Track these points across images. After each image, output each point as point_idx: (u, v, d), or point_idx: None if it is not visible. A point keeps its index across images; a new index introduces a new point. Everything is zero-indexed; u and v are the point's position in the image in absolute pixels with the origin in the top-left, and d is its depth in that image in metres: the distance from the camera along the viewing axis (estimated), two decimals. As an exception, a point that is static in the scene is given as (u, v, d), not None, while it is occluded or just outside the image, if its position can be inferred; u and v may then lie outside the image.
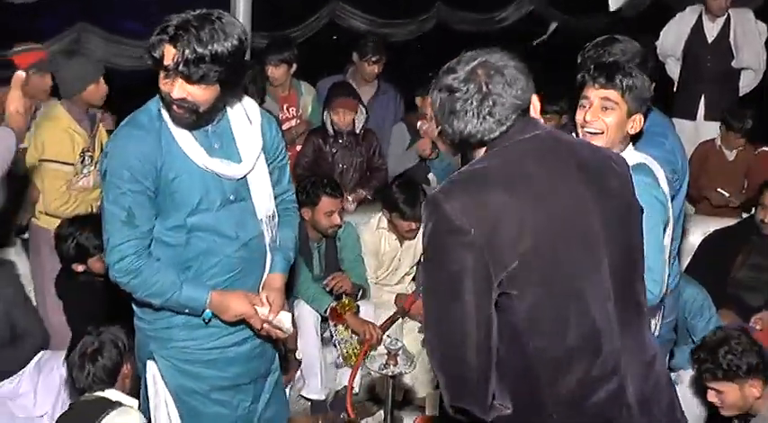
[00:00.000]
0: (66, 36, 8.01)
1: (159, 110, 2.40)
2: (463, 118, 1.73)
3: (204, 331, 2.51)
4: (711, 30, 5.17)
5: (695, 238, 4.43)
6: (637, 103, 2.55)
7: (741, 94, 5.25)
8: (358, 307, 4.00)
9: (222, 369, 2.58)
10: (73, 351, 2.75)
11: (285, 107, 4.94)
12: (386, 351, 2.88)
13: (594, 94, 2.53)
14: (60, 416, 2.82)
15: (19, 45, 4.43)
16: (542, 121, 1.94)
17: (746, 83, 5.21)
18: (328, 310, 3.91)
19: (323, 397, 3.95)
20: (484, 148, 1.81)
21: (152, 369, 2.57)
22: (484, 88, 1.71)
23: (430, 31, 9.56)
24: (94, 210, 3.96)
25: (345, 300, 3.99)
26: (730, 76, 5.16)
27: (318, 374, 3.91)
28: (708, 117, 5.13)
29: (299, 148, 4.74)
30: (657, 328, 2.77)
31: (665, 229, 2.53)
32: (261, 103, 3.76)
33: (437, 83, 1.80)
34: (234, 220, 2.49)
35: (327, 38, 9.59)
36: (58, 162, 3.98)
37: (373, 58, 5.26)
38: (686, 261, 4.38)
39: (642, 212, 1.92)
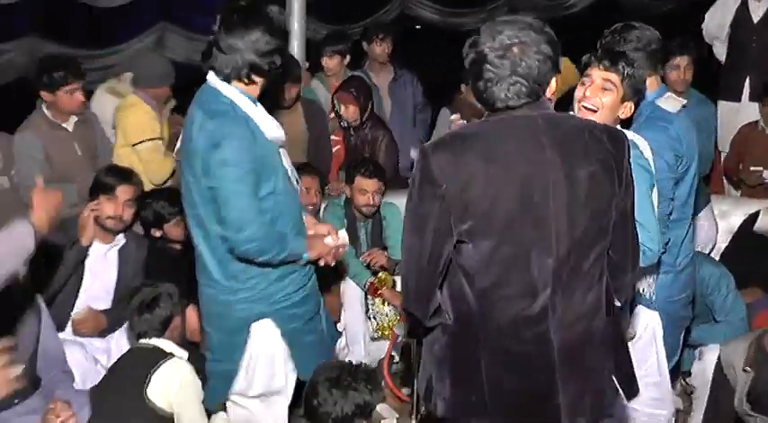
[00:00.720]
0: (148, 35, 8.87)
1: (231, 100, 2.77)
2: (486, 84, 2.04)
3: (290, 277, 2.92)
4: (757, 10, 5.24)
5: (737, 219, 4.53)
6: (632, 91, 2.81)
7: None
8: (394, 281, 4.30)
9: (307, 303, 3.02)
10: (134, 298, 3.12)
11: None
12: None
13: (597, 74, 2.78)
14: (118, 359, 3.19)
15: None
16: (552, 101, 2.27)
17: None
18: (367, 284, 4.25)
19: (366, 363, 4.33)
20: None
21: (263, 328, 2.94)
22: (514, 66, 2.00)
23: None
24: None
25: (382, 275, 4.31)
26: None
27: (362, 342, 4.26)
28: (753, 98, 5.18)
29: (333, 137, 5.16)
30: (652, 292, 3.03)
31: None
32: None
33: (476, 43, 2.07)
34: (288, 181, 2.94)
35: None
36: (149, 140, 4.40)
37: (379, 37, 5.59)
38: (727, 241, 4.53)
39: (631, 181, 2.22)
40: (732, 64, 5.27)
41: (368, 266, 4.36)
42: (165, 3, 8.88)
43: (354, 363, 3.02)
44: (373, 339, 4.38)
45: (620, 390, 2.22)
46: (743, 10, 5.18)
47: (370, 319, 4.36)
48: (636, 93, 2.82)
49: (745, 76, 5.12)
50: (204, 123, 2.70)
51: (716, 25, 5.29)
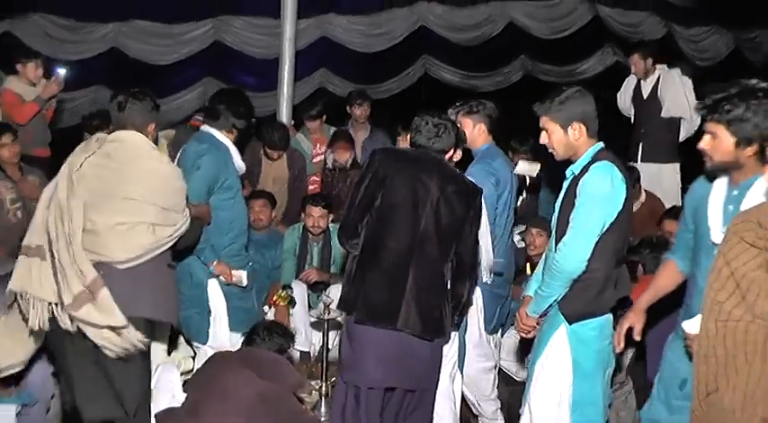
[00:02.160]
0: (195, 88, 10.90)
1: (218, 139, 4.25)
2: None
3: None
4: (645, 88, 6.57)
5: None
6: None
7: (682, 140, 6.47)
8: (291, 299, 5.37)
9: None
10: None
11: (317, 146, 7.04)
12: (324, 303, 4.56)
13: None
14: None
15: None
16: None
17: (684, 131, 6.41)
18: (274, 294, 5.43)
19: (307, 349, 5.51)
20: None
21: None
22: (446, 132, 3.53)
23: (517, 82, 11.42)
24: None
25: (283, 293, 5.35)
26: (666, 126, 6.41)
27: (303, 332, 5.40)
28: (644, 159, 6.42)
29: (314, 177, 6.79)
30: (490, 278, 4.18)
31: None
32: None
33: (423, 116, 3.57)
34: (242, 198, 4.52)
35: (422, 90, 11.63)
36: None
37: (357, 102, 7.17)
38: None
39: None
40: (634, 132, 6.67)
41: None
42: (211, 61, 10.64)
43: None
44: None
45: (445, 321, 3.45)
46: (637, 89, 6.59)
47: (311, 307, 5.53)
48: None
49: (638, 142, 6.50)
50: (197, 148, 4.25)
51: (623, 103, 6.74)
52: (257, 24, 9.89)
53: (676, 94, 6.34)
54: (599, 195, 3.04)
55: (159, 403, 3.53)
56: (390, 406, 3.53)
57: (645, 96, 6.57)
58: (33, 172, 5.45)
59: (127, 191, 3.22)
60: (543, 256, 3.43)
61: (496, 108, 4.45)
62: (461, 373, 4.09)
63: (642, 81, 6.56)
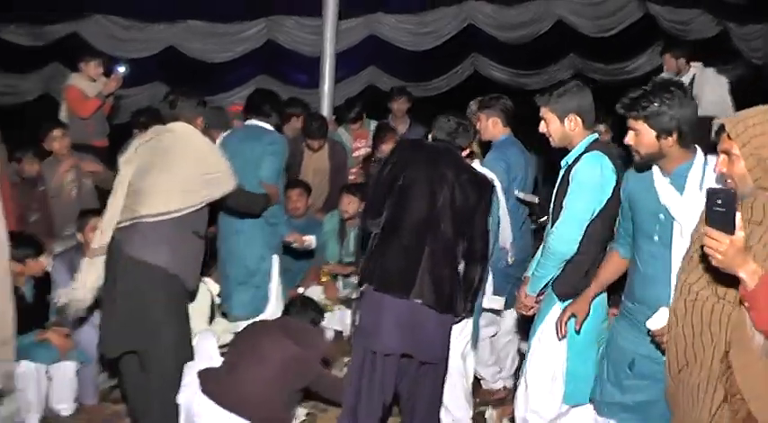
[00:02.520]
0: (249, 85, 11.34)
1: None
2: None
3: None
4: (685, 79, 6.49)
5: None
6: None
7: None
8: (335, 274, 5.91)
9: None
10: None
11: (358, 140, 7.43)
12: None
13: None
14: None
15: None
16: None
17: None
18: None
19: (341, 328, 5.77)
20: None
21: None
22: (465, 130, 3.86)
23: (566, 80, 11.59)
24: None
25: (325, 269, 5.91)
26: (701, 125, 6.40)
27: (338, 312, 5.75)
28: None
29: (354, 170, 7.21)
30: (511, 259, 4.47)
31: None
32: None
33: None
34: None
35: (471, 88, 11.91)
36: None
37: (396, 97, 7.58)
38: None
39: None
40: None
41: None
42: (264, 59, 11.16)
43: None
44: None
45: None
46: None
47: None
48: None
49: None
50: (271, 137, 4.83)
51: None
52: (308, 24, 10.29)
53: (712, 93, 6.48)
54: (589, 183, 3.29)
55: (198, 366, 3.95)
56: (404, 375, 3.86)
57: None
58: (85, 158, 6.03)
59: (168, 162, 3.76)
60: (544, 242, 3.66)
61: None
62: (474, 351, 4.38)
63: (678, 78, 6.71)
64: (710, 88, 6.43)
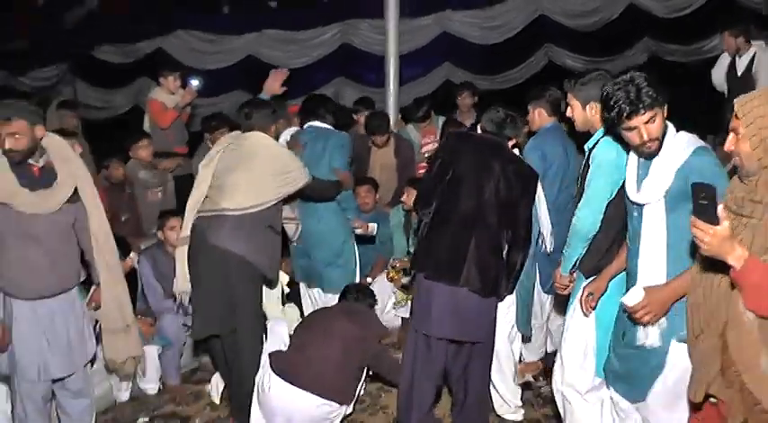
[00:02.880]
0: (328, 88, 11.92)
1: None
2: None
3: None
4: (740, 65, 6.72)
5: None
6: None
7: None
8: (405, 269, 5.91)
9: None
10: None
11: (426, 136, 7.77)
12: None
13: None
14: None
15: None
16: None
17: None
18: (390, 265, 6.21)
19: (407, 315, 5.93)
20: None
21: None
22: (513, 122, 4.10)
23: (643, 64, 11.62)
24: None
25: (396, 263, 6.09)
26: None
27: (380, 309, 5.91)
28: None
29: (422, 164, 7.54)
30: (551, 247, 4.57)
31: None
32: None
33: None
34: None
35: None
36: None
37: (461, 92, 7.85)
38: None
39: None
40: (725, 107, 6.81)
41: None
42: (340, 61, 11.70)
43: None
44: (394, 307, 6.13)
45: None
46: (732, 66, 6.80)
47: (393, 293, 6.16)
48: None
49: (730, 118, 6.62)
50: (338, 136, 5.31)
51: (717, 79, 6.96)
52: (379, 26, 10.70)
53: None
54: (606, 164, 3.46)
55: (270, 348, 4.40)
56: (454, 356, 4.14)
57: (739, 73, 6.78)
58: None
59: (246, 163, 4.21)
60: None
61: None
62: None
63: (737, 58, 6.79)
64: None
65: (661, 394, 3.02)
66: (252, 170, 4.21)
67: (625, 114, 2.85)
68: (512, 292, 4.30)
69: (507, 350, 4.41)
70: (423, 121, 7.60)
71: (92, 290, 4.09)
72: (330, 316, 4.43)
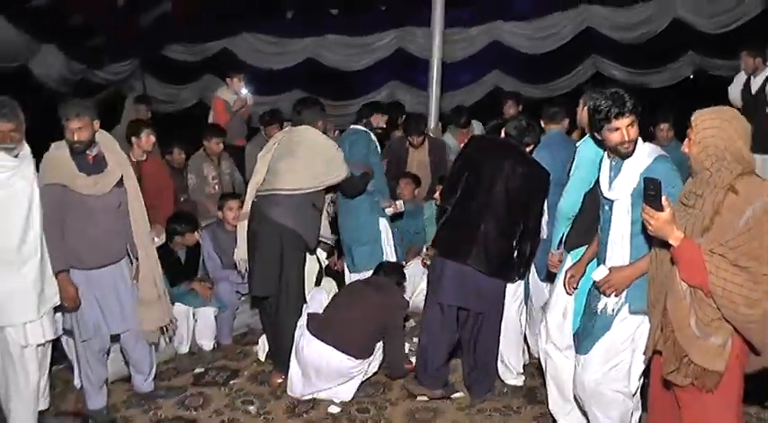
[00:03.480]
0: (382, 91, 12.70)
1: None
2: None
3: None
4: (755, 84, 7.15)
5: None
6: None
7: None
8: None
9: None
10: None
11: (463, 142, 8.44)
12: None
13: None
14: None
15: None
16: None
17: None
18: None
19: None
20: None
21: None
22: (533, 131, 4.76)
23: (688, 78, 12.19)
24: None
25: (429, 251, 6.32)
26: None
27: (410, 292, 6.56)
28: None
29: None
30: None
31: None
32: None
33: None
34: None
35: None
36: None
37: (507, 101, 8.37)
38: None
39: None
40: None
41: None
42: (396, 65, 12.48)
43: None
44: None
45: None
46: (747, 84, 7.30)
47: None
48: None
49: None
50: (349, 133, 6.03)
51: (733, 96, 7.40)
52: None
53: None
54: (587, 159, 4.13)
55: (310, 310, 5.07)
56: (464, 322, 4.85)
57: (753, 91, 7.24)
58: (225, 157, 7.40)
59: (297, 152, 4.98)
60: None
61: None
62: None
63: (752, 77, 7.26)
64: None
65: (602, 351, 3.69)
66: (299, 158, 4.94)
67: (613, 115, 3.48)
68: (523, 276, 4.98)
69: (515, 322, 5.08)
70: (464, 127, 8.27)
71: (133, 265, 4.66)
72: (361, 286, 5.21)
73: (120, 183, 4.40)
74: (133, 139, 5.90)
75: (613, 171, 3.68)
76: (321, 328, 4.84)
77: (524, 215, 4.69)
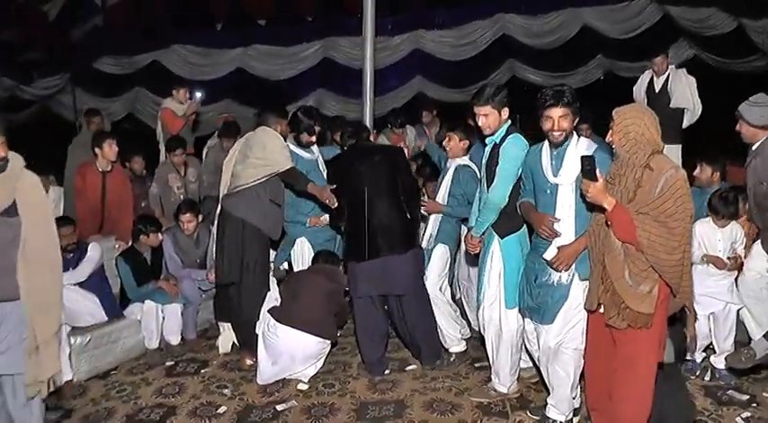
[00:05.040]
0: (310, 98, 13.29)
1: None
2: None
3: None
4: (657, 84, 8.07)
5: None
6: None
7: (684, 127, 7.92)
8: None
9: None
10: None
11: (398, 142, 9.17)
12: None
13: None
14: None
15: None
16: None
17: (687, 119, 7.86)
18: None
19: None
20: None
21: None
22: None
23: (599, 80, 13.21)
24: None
25: None
26: (673, 115, 7.75)
27: None
28: None
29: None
30: None
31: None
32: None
33: None
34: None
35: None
36: None
37: (425, 106, 9.31)
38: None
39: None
40: None
41: None
42: (324, 74, 13.12)
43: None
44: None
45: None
46: (650, 84, 8.21)
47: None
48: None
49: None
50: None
51: (638, 94, 8.32)
52: (359, 42, 12.10)
53: (683, 90, 7.93)
54: (515, 156, 4.60)
55: (267, 305, 5.65)
56: (392, 312, 5.53)
57: (657, 90, 8.14)
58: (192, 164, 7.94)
59: (249, 153, 5.53)
60: (478, 198, 5.06)
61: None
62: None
63: (656, 78, 8.17)
64: (682, 86, 7.92)
65: (562, 316, 4.36)
66: (249, 156, 5.50)
67: (547, 105, 4.17)
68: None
69: (441, 297, 5.75)
70: (401, 128, 9.04)
71: None
72: (308, 275, 5.78)
73: (13, 211, 3.78)
74: (96, 150, 6.40)
75: (554, 160, 4.31)
76: (288, 316, 5.41)
77: (402, 189, 5.42)
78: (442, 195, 5.73)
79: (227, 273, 5.57)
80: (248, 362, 5.72)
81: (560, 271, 4.31)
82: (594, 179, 3.71)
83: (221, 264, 5.58)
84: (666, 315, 3.88)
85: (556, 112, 4.21)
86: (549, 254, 4.30)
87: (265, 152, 5.51)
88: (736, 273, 5.42)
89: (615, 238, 3.80)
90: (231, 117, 8.80)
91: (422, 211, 5.76)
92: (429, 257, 5.75)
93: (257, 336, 5.52)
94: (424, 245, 5.79)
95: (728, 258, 5.36)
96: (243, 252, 5.52)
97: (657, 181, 3.66)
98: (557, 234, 4.31)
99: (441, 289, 5.77)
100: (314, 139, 6.08)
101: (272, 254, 6.34)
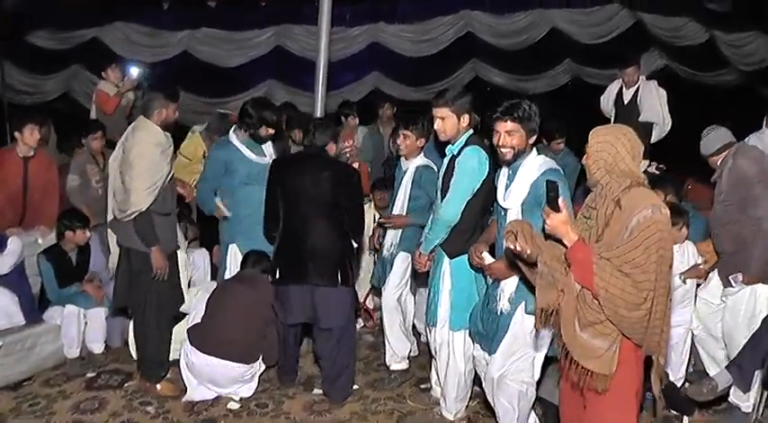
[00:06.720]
0: (260, 88, 13.01)
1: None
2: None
3: None
4: (627, 95, 8.01)
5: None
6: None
7: (653, 142, 7.85)
8: None
9: None
10: None
11: (346, 141, 8.92)
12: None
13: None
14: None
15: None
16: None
17: (655, 134, 7.85)
18: None
19: None
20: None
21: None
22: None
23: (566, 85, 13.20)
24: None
25: None
26: (641, 128, 7.22)
27: None
28: None
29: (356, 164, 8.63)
30: None
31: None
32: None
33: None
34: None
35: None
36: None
37: (383, 104, 9.12)
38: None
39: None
40: None
41: None
42: (274, 64, 12.91)
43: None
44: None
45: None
46: (619, 95, 8.16)
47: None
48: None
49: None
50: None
51: (605, 105, 8.27)
52: (315, 32, 11.90)
53: (653, 103, 7.89)
54: (470, 169, 4.48)
55: (191, 322, 5.43)
56: (317, 340, 5.32)
57: (626, 102, 8.11)
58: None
59: (122, 170, 5.09)
60: (433, 213, 4.85)
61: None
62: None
63: (625, 89, 8.12)
64: (652, 99, 7.89)
65: (505, 347, 4.23)
66: (123, 179, 5.12)
67: (495, 116, 4.06)
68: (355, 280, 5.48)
69: (397, 307, 5.65)
70: (356, 118, 8.89)
71: None
72: (231, 284, 5.49)
73: None
74: (16, 134, 6.08)
75: (509, 180, 4.18)
76: (203, 340, 5.18)
77: (343, 211, 5.11)
78: (401, 202, 5.56)
79: (119, 297, 5.35)
80: (156, 389, 5.42)
81: (500, 298, 4.22)
82: (557, 209, 3.33)
83: (116, 286, 5.36)
84: (641, 376, 3.46)
85: (503, 125, 4.08)
86: (487, 258, 4.23)
87: (131, 179, 5.00)
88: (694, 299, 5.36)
89: (574, 281, 3.38)
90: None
91: (385, 226, 5.63)
92: (391, 265, 5.63)
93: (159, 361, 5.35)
94: (384, 253, 5.71)
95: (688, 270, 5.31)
96: (137, 276, 5.19)
97: (628, 222, 3.24)
98: (483, 266, 4.25)
99: (399, 299, 5.66)
100: (272, 131, 5.83)
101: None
